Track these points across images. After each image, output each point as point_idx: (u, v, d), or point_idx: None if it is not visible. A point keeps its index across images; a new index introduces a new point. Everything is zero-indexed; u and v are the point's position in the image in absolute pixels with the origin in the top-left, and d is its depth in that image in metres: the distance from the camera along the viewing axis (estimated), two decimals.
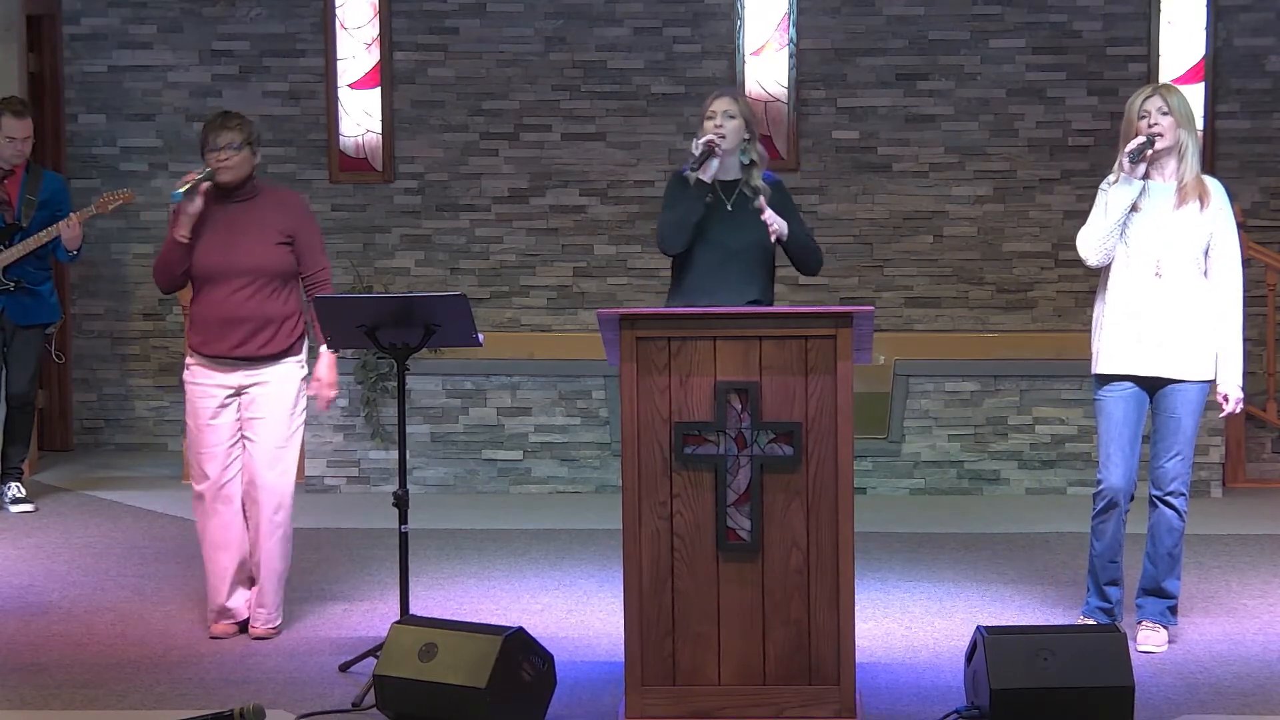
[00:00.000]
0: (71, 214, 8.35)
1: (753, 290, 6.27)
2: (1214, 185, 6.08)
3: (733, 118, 6.21)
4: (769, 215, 6.21)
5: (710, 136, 6.16)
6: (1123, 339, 6.05)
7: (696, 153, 6.17)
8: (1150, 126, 5.98)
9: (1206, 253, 6.05)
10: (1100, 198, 6.09)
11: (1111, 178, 6.06)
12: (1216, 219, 6.02)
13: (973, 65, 10.21)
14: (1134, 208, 6.02)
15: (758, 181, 6.28)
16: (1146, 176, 6.03)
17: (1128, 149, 5.97)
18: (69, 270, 10.39)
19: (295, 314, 6.32)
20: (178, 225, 6.19)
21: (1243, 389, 6.16)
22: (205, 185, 6.17)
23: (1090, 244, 6.07)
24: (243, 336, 6.21)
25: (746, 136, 6.26)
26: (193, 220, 6.19)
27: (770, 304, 6.37)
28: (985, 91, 10.21)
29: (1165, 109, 5.99)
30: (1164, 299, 6.00)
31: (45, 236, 8.35)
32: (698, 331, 5.25)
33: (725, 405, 5.24)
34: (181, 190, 6.13)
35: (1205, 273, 6.06)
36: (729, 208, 6.28)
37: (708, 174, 6.20)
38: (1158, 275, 6.00)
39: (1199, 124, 9.95)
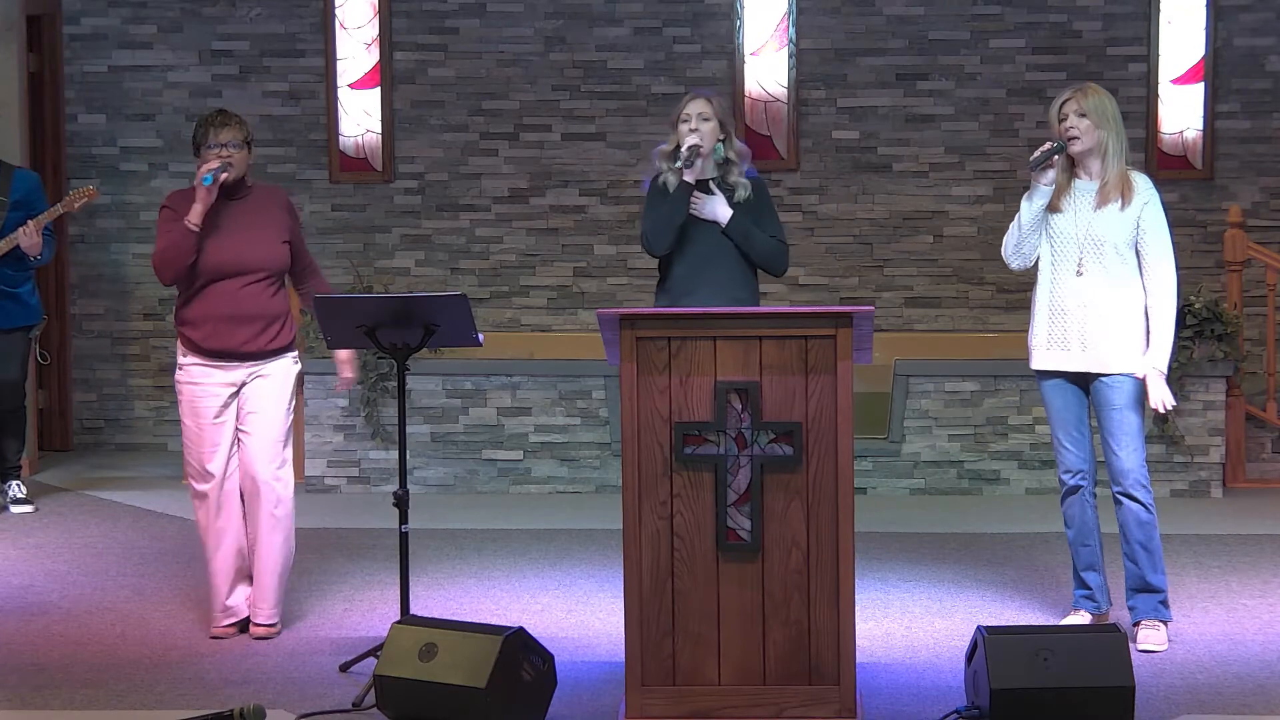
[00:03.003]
0: (29, 220, 8.15)
1: (733, 288, 6.33)
2: (1139, 179, 6.14)
3: (707, 120, 6.35)
4: (700, 204, 6.31)
5: (693, 142, 6.28)
6: (1050, 337, 6.15)
7: (683, 158, 6.26)
8: (1068, 130, 6.04)
9: (1135, 248, 6.08)
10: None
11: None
12: (1142, 212, 6.07)
13: (973, 65, 10.22)
14: (1057, 209, 6.11)
15: (736, 179, 6.36)
16: (1075, 176, 6.11)
17: (1031, 157, 6.06)
18: (69, 270, 10.39)
19: (289, 310, 6.40)
20: (191, 214, 6.18)
21: (1164, 374, 6.10)
22: (224, 176, 6.21)
23: (1008, 250, 6.21)
24: (253, 332, 6.24)
25: (721, 137, 6.37)
26: (206, 209, 6.20)
27: (754, 301, 6.42)
28: (985, 91, 10.22)
29: (1081, 111, 6.06)
30: (1085, 297, 6.07)
31: (5, 245, 8.16)
32: (698, 331, 5.25)
33: (725, 405, 5.24)
34: (212, 175, 6.15)
35: (1139, 268, 6.10)
36: (703, 214, 6.38)
37: (692, 176, 6.29)
38: (1079, 274, 6.07)
39: (1199, 124, 10.10)
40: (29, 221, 8.13)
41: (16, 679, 5.80)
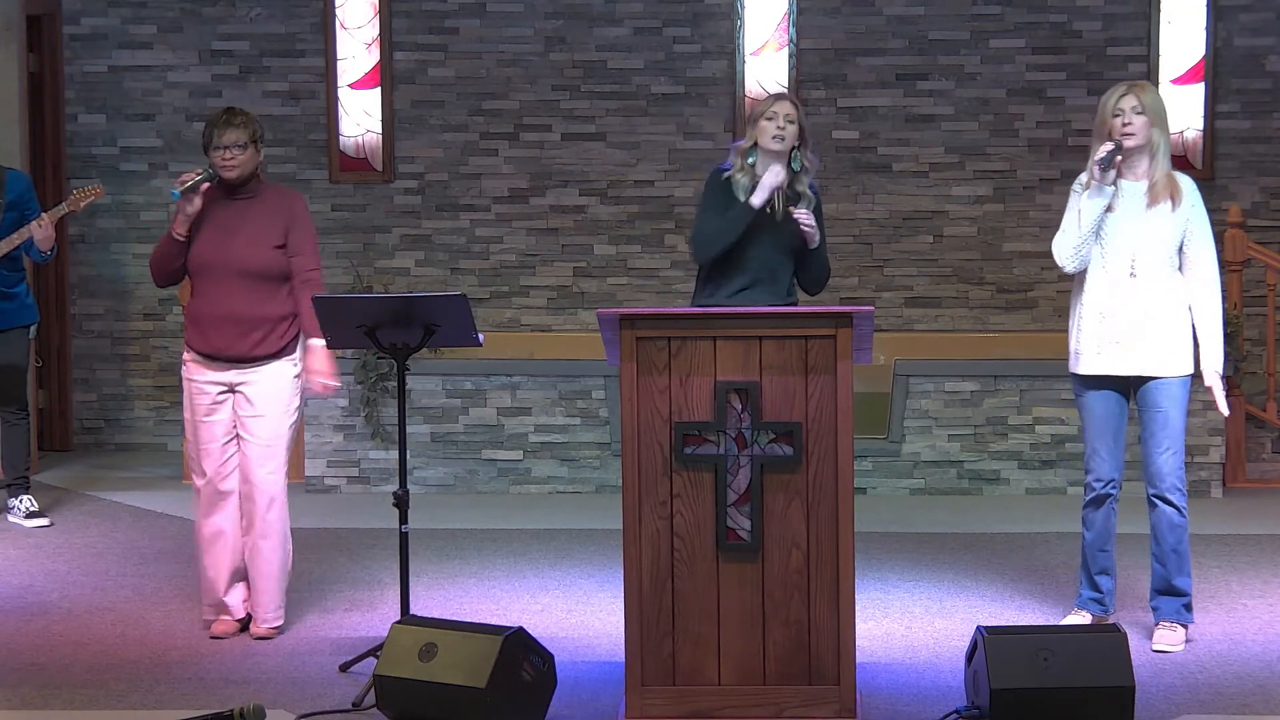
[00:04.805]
0: (43, 214, 8.04)
1: (786, 298, 6.32)
2: (1185, 181, 6.09)
3: (793, 123, 6.27)
4: (805, 219, 6.25)
5: (785, 143, 6.22)
6: (1101, 340, 6.08)
7: (791, 160, 6.24)
8: (1124, 126, 5.98)
9: (1180, 249, 6.06)
10: (1073, 199, 6.12)
11: (1084, 178, 6.08)
12: (1190, 215, 6.04)
13: (973, 65, 10.22)
14: (1108, 208, 6.04)
15: (803, 188, 6.32)
16: (1119, 176, 6.05)
17: (1097, 157, 5.98)
18: (69, 270, 10.39)
19: (289, 316, 6.24)
20: (175, 223, 6.19)
21: (1222, 376, 6.14)
22: (205, 185, 6.16)
23: (1066, 252, 6.11)
24: (236, 335, 6.16)
25: (797, 144, 6.30)
26: (190, 219, 6.18)
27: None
28: (985, 91, 10.22)
29: (1140, 108, 5.99)
30: (1140, 298, 6.03)
31: (17, 239, 8.04)
32: (698, 331, 5.25)
33: (725, 405, 5.24)
34: (179, 190, 6.13)
35: (1180, 268, 6.08)
36: (776, 218, 6.29)
37: (760, 200, 6.21)
38: (1133, 275, 6.03)
39: (1199, 124, 10.10)
40: (43, 215, 8.02)
41: (16, 679, 5.80)
